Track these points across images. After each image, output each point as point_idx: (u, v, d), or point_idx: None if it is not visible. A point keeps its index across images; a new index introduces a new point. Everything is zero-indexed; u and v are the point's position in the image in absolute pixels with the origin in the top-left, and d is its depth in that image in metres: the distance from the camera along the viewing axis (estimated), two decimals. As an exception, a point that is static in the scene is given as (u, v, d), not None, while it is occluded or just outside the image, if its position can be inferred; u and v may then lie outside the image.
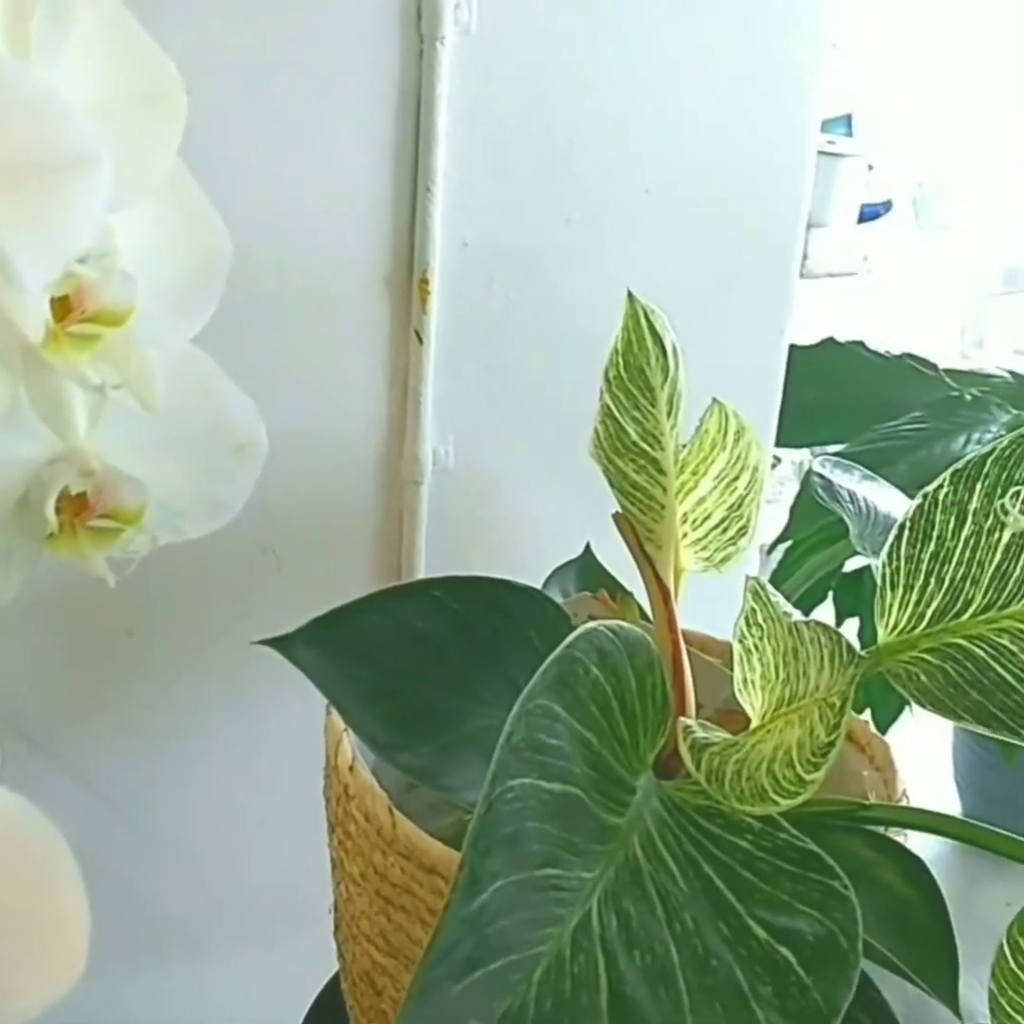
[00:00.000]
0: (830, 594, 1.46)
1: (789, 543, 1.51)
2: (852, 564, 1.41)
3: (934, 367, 1.61)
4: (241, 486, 0.54)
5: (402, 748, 0.64)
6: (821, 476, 0.92)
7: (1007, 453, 0.65)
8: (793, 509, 1.47)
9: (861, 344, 1.61)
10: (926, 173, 2.80)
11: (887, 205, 2.60)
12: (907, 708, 1.33)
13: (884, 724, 1.35)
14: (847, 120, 2.61)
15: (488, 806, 0.49)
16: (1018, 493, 0.60)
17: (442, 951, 0.45)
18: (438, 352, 0.97)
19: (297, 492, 0.97)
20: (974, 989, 0.67)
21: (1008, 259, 3.00)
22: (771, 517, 1.55)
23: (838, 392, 1.60)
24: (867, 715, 1.31)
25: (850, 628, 1.37)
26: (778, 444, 1.28)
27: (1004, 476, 0.64)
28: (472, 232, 0.96)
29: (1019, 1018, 0.66)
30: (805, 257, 2.50)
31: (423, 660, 0.66)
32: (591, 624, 0.58)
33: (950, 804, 1.97)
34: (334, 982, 0.82)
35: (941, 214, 2.80)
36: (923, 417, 1.49)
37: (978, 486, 0.65)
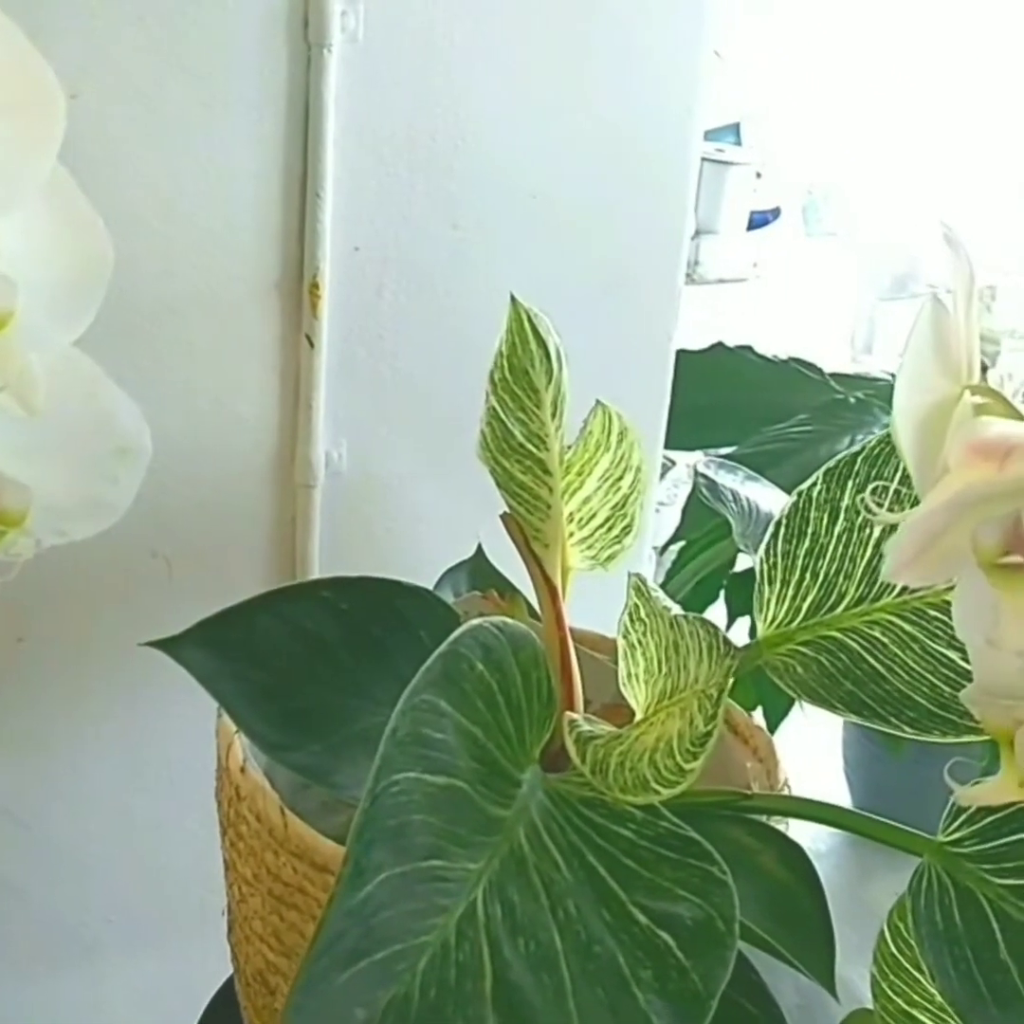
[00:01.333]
0: (721, 593, 1.48)
1: (682, 544, 1.53)
2: (744, 563, 1.44)
3: (820, 371, 1.65)
4: (125, 489, 0.54)
5: (292, 748, 0.64)
6: (705, 477, 0.94)
7: (876, 452, 0.68)
8: (685, 510, 1.50)
9: (749, 349, 1.64)
10: (815, 180, 2.86)
11: (776, 212, 2.65)
12: (797, 705, 1.36)
13: (775, 721, 1.37)
14: (736, 129, 2.66)
15: (372, 800, 0.49)
16: (878, 489, 0.62)
17: (327, 943, 0.46)
18: (330, 356, 0.97)
19: (188, 497, 0.97)
20: (865, 978, 0.70)
21: (896, 265, 3.07)
22: (668, 519, 1.57)
23: (728, 396, 1.63)
24: (759, 713, 1.33)
25: (743, 627, 1.40)
26: (671, 447, 1.30)
27: (873, 474, 0.67)
28: (362, 237, 0.96)
29: (900, 1001, 0.69)
30: (696, 263, 2.55)
31: (313, 660, 0.67)
32: (476, 620, 0.59)
33: (842, 798, 2.02)
34: (229, 984, 0.83)
35: (830, 221, 2.86)
36: (809, 420, 1.52)
37: (849, 484, 0.68)
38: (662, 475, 1.96)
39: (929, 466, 0.42)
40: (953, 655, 0.66)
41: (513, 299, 0.70)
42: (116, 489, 0.54)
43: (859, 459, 0.68)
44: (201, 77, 0.89)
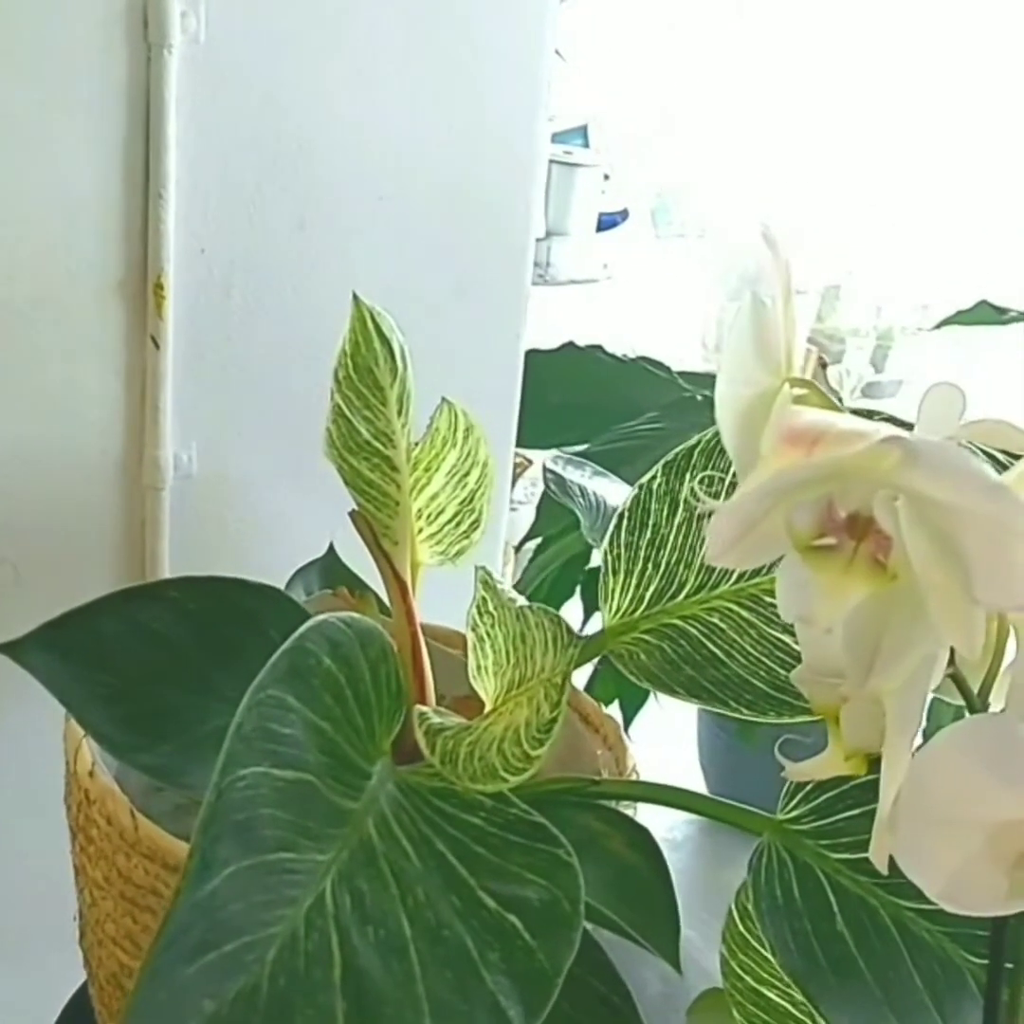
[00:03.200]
0: (577, 589, 1.50)
1: (538, 541, 1.55)
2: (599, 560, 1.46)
3: (668, 370, 1.68)
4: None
5: (141, 749, 0.64)
6: (553, 473, 0.96)
7: (712, 444, 0.70)
8: (539, 508, 1.52)
9: (599, 348, 1.67)
10: (662, 183, 2.91)
11: (624, 214, 2.69)
12: (653, 699, 1.38)
13: (630, 714, 1.40)
14: (583, 131, 2.70)
15: (218, 794, 0.50)
16: (706, 479, 0.64)
17: (173, 936, 0.46)
18: (176, 357, 0.97)
19: (34, 502, 0.96)
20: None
21: (744, 266, 3.13)
22: (526, 518, 1.59)
23: (579, 395, 1.65)
24: (616, 706, 1.35)
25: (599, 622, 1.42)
26: (524, 446, 1.32)
27: (709, 466, 0.69)
28: (208, 237, 0.96)
29: (748, 978, 0.71)
30: (548, 264, 2.57)
31: (161, 661, 0.67)
32: (323, 616, 0.59)
33: (699, 789, 2.06)
34: (83, 990, 0.82)
35: (678, 223, 2.91)
36: (658, 417, 1.55)
37: (687, 476, 0.70)
38: (518, 474, 1.98)
39: (750, 456, 0.44)
40: (787, 639, 0.69)
41: (356, 298, 0.71)
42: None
43: (696, 452, 0.70)
44: (39, 78, 0.88)
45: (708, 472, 0.66)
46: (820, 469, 0.37)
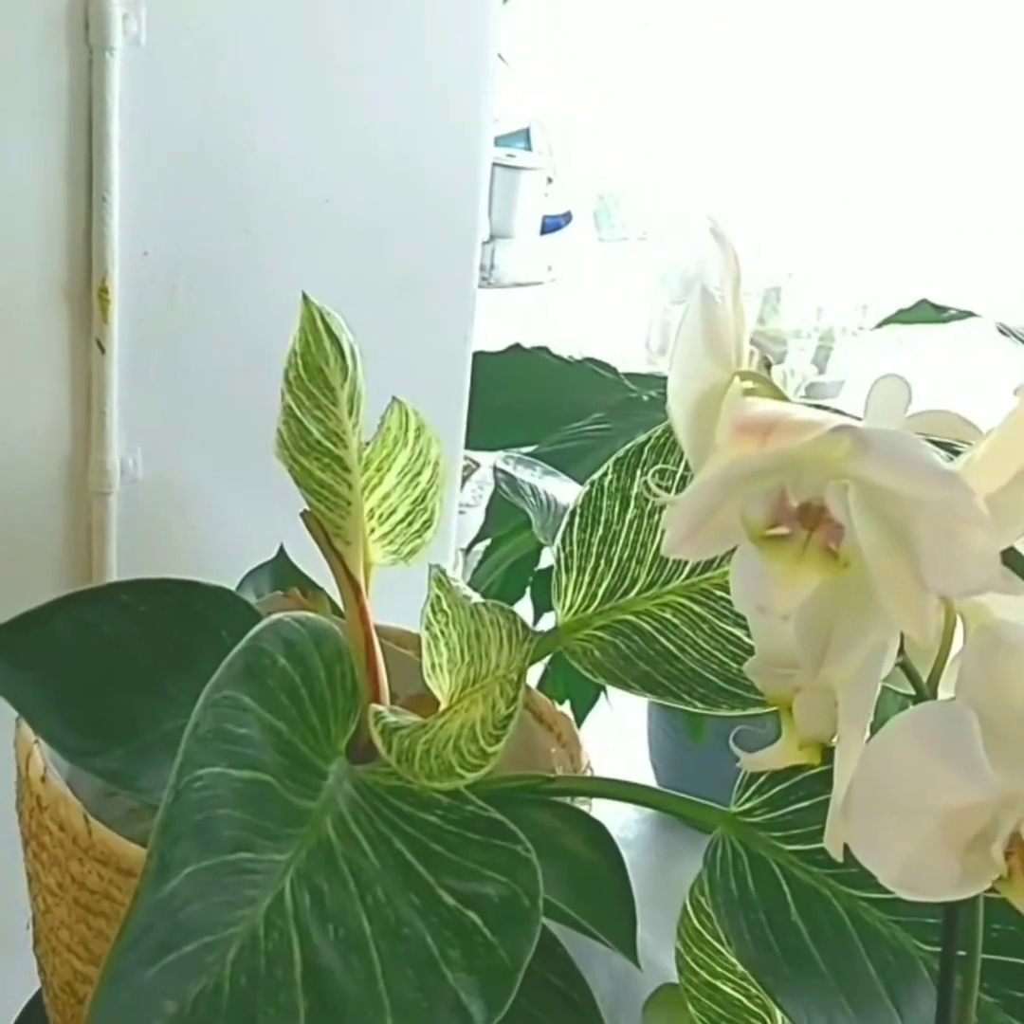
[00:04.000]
0: (528, 590, 1.51)
1: (488, 542, 1.55)
2: (550, 560, 1.46)
3: (614, 371, 1.69)
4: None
5: (95, 753, 0.64)
6: (504, 473, 0.96)
7: (662, 440, 0.70)
8: (488, 509, 1.52)
9: (545, 350, 1.67)
10: (605, 185, 2.93)
11: (567, 216, 2.70)
12: (604, 699, 1.39)
13: (581, 713, 1.40)
14: (526, 134, 2.71)
15: (176, 795, 0.50)
16: (658, 473, 0.65)
17: (133, 937, 0.46)
18: (122, 361, 0.96)
19: (-21, 508, 0.95)
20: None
21: (686, 268, 3.15)
22: (475, 521, 1.59)
23: (527, 396, 1.66)
24: (567, 706, 1.36)
25: (550, 622, 1.42)
26: (473, 447, 1.32)
27: (660, 461, 0.70)
28: (152, 241, 0.96)
29: (703, 973, 0.71)
30: (493, 267, 2.58)
31: (113, 664, 0.66)
32: (277, 615, 0.59)
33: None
34: (37, 999, 0.81)
35: (621, 224, 2.92)
36: (605, 418, 1.56)
37: (638, 472, 0.70)
38: (467, 477, 1.98)
39: (703, 449, 0.44)
40: (739, 633, 0.69)
41: (305, 297, 0.71)
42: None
43: (646, 448, 0.71)
44: (-22, 82, 0.87)
45: (661, 466, 0.67)
46: (773, 459, 0.38)
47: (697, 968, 0.71)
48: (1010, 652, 0.43)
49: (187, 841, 0.50)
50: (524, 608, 1.47)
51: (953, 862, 0.43)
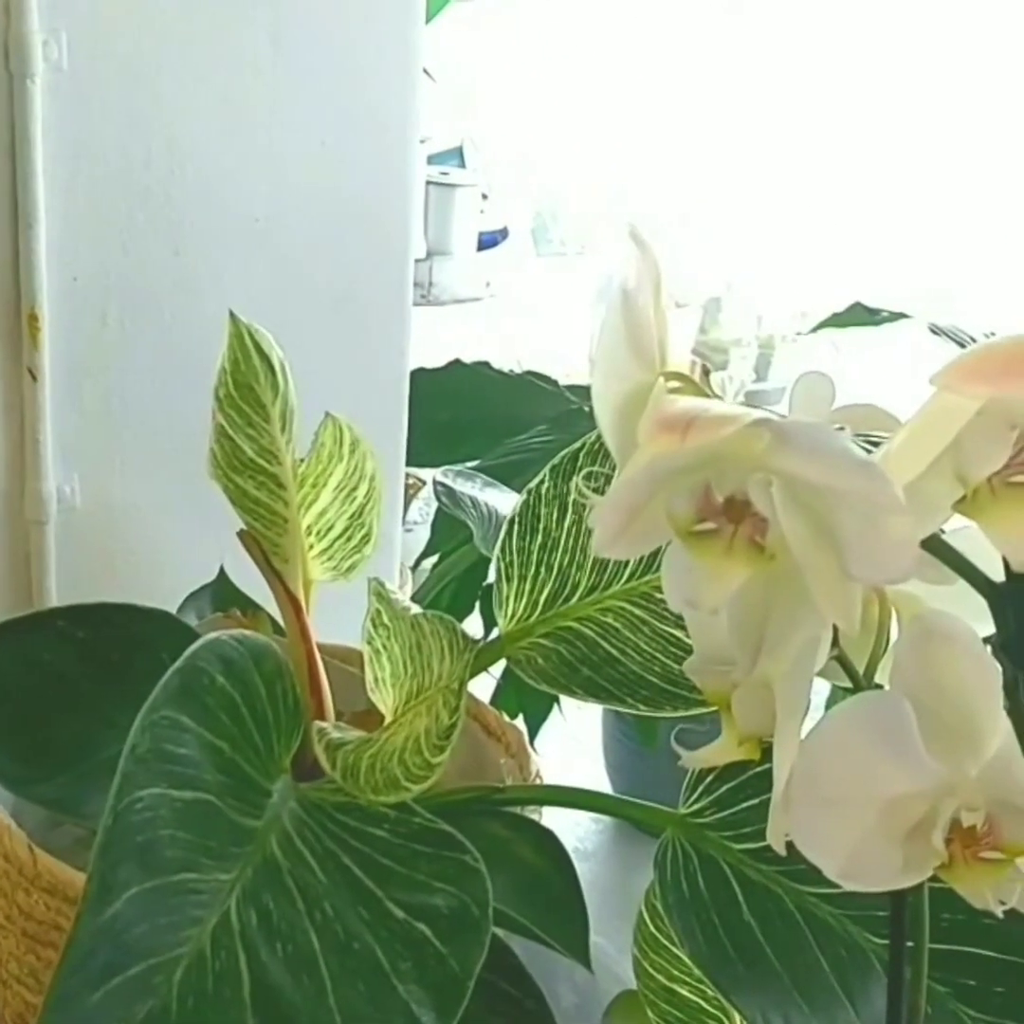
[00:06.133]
0: (476, 605, 1.50)
1: (435, 559, 1.55)
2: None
3: (555, 383, 1.69)
4: None
5: (37, 781, 0.64)
6: (444, 486, 0.96)
7: (597, 446, 0.71)
8: (433, 525, 1.52)
9: (486, 365, 1.68)
10: (542, 200, 2.94)
11: (504, 232, 2.71)
12: (556, 711, 1.39)
13: (535, 726, 1.40)
14: (459, 152, 2.72)
15: (115, 817, 0.49)
16: (588, 475, 0.65)
17: (77, 962, 0.45)
18: (54, 389, 0.96)
19: (-86, 541, 0.94)
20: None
21: (619, 277, 3.16)
22: (421, 539, 1.59)
23: (469, 411, 1.65)
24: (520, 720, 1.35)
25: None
26: (415, 464, 1.32)
27: (595, 466, 0.70)
28: (81, 267, 0.95)
29: (661, 977, 0.71)
30: (431, 284, 2.58)
31: (52, 691, 0.66)
32: (214, 634, 0.59)
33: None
34: (-12, 1036, 0.80)
35: (558, 239, 2.94)
36: (548, 430, 1.56)
37: (575, 478, 0.71)
38: (412, 495, 1.98)
39: (629, 450, 0.45)
40: (680, 634, 0.70)
41: (232, 315, 0.70)
42: None
43: (581, 454, 0.71)
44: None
45: (592, 468, 0.67)
46: (694, 454, 0.38)
47: (654, 973, 0.71)
48: (942, 641, 0.43)
49: (129, 863, 0.49)
50: (474, 624, 1.47)
51: (895, 851, 0.44)
